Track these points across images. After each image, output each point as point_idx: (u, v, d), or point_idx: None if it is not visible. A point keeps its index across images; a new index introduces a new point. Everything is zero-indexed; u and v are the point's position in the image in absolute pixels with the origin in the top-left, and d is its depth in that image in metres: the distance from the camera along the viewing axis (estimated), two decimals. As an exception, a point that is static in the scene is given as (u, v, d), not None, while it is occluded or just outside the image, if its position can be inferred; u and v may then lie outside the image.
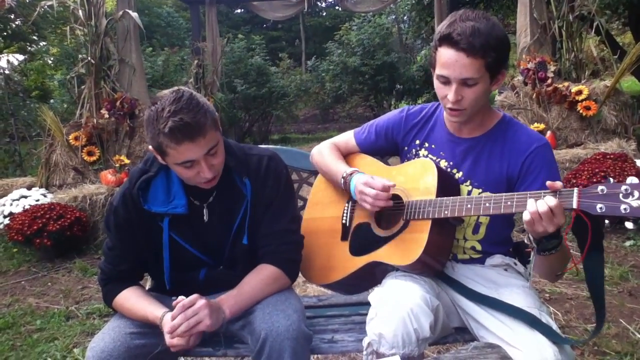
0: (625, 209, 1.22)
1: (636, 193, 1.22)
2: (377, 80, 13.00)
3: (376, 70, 12.88)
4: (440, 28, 1.51)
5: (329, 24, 20.32)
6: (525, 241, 1.52)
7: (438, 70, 1.52)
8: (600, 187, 1.26)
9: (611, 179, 1.30)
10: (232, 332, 1.63)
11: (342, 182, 1.75)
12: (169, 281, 1.67)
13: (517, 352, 1.38)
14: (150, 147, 1.53)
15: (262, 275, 1.63)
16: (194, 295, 1.49)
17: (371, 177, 1.64)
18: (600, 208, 1.25)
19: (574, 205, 1.30)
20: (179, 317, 1.45)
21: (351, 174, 1.73)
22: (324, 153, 1.90)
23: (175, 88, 1.51)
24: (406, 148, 1.79)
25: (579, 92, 4.79)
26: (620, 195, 1.23)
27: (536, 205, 1.32)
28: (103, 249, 1.73)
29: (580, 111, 4.77)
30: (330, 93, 14.04)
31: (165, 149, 1.46)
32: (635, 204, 1.21)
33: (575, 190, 1.30)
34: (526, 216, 1.35)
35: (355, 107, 14.96)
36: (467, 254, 1.68)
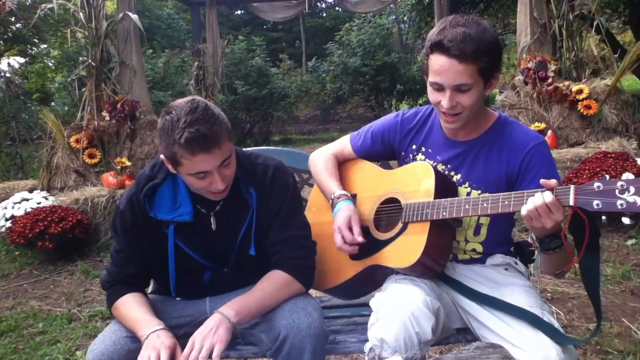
0: (621, 204, 1.23)
1: (632, 189, 1.22)
2: (378, 81, 12.99)
3: (377, 71, 12.87)
4: (431, 35, 1.50)
5: (329, 24, 20.31)
6: (529, 240, 1.53)
7: (431, 78, 1.52)
8: (596, 184, 1.27)
9: (607, 176, 1.31)
10: (236, 333, 1.62)
11: (330, 202, 1.77)
12: (174, 287, 1.68)
13: (520, 352, 1.39)
14: (162, 156, 1.52)
15: (273, 282, 1.61)
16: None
17: (347, 223, 1.65)
18: (597, 204, 1.26)
19: (571, 202, 1.30)
20: None
21: (338, 198, 1.74)
22: (317, 166, 1.89)
23: (190, 98, 1.49)
24: (403, 153, 1.79)
25: (580, 91, 4.78)
26: (617, 191, 1.24)
27: (533, 201, 1.34)
28: (110, 252, 1.73)
29: (581, 110, 4.76)
30: (330, 94, 14.04)
31: (180, 159, 1.45)
32: (631, 199, 1.22)
33: (572, 187, 1.31)
34: (523, 212, 1.36)
35: (356, 107, 14.95)
36: (467, 254, 1.68)
